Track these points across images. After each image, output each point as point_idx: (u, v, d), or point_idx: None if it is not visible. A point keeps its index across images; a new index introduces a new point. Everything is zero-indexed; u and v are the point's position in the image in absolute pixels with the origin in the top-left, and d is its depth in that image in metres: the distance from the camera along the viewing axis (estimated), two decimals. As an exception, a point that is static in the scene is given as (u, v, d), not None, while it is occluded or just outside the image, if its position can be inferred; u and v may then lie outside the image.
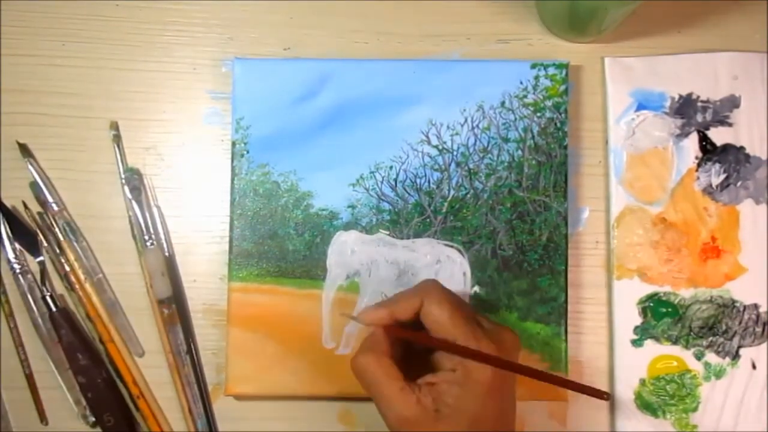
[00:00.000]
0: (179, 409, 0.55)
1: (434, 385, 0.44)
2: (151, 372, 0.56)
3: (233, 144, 0.55)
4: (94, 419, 0.54)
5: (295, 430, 0.56)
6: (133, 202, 0.56)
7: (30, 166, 0.56)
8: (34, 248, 0.55)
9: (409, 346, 0.47)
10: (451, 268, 0.55)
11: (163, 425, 0.55)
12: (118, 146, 0.57)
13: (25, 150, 0.56)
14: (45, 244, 0.55)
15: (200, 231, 0.57)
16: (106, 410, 0.54)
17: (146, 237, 0.55)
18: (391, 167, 0.56)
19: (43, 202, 0.56)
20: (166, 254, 0.56)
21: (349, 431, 0.56)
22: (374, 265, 0.55)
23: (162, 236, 0.56)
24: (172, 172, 0.57)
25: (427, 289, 0.46)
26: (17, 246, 0.55)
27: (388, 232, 0.55)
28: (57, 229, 0.55)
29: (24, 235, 0.56)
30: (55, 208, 0.56)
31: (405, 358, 0.46)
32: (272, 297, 0.55)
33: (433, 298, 0.45)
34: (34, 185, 0.56)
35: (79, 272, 0.55)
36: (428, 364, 0.46)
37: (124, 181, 0.56)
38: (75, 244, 0.56)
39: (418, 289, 0.46)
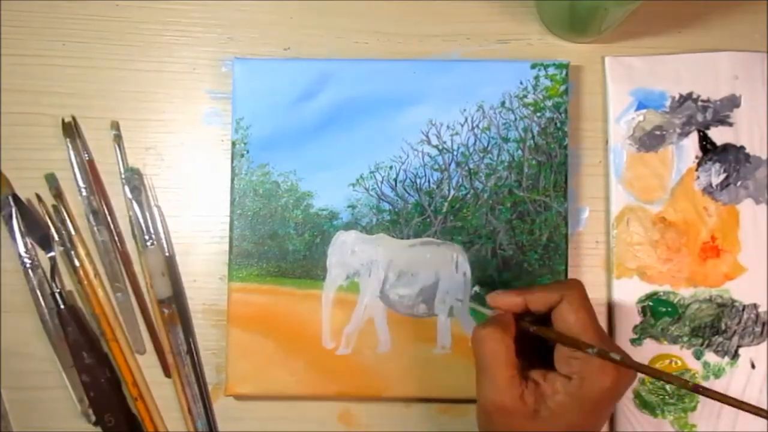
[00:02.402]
0: (179, 409, 0.56)
1: (540, 386, 0.44)
2: (152, 372, 0.56)
3: (233, 144, 0.56)
4: (95, 418, 0.55)
5: (295, 430, 0.56)
6: (133, 202, 0.56)
7: (68, 146, 0.56)
8: (45, 243, 0.56)
9: (526, 335, 0.47)
10: (451, 268, 0.55)
11: (159, 427, 0.55)
12: (119, 146, 0.57)
13: (68, 129, 0.56)
14: (56, 238, 0.55)
15: (200, 231, 0.57)
16: (108, 410, 0.54)
17: (146, 237, 0.55)
18: (391, 167, 0.56)
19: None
20: (166, 254, 0.56)
21: (348, 431, 0.56)
22: (374, 265, 0.55)
23: (162, 236, 0.56)
24: (172, 172, 0.58)
25: (569, 289, 0.45)
26: (29, 240, 0.56)
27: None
28: (69, 223, 0.56)
29: (36, 229, 0.56)
30: (84, 193, 0.56)
31: (520, 345, 0.46)
32: (272, 297, 0.55)
33: (574, 302, 0.45)
34: (50, 177, 0.56)
35: (89, 268, 0.56)
36: (541, 360, 0.46)
37: (124, 180, 0.56)
38: (96, 228, 0.56)
39: (559, 287, 0.46)
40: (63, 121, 0.56)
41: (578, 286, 0.46)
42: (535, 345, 0.47)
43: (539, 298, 0.46)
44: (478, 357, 0.45)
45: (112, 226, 0.56)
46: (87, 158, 0.57)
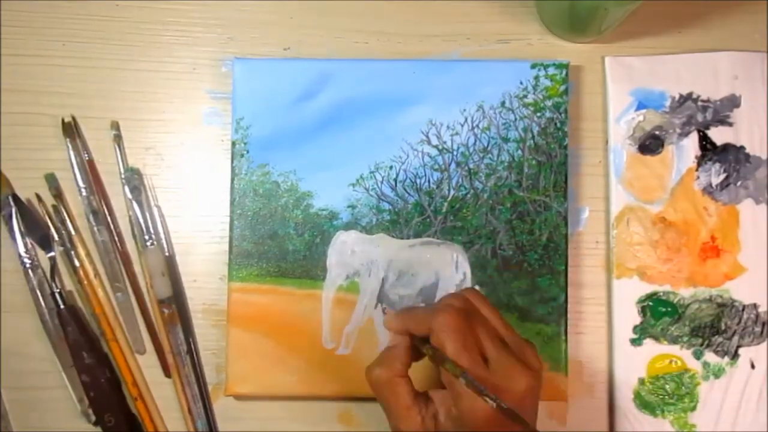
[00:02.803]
0: (179, 409, 0.56)
1: (432, 406, 0.45)
2: (152, 372, 0.56)
3: (233, 144, 0.56)
4: (95, 418, 0.55)
5: (295, 430, 0.56)
6: (134, 202, 0.56)
7: (68, 146, 0.56)
8: (45, 243, 0.56)
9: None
10: (451, 268, 0.55)
11: (159, 427, 0.55)
12: (119, 146, 0.57)
13: (68, 129, 0.56)
14: (56, 238, 0.55)
15: (200, 231, 0.57)
16: (108, 410, 0.54)
17: (146, 237, 0.55)
18: (391, 167, 0.56)
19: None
20: (166, 254, 0.56)
21: (348, 431, 0.56)
22: (374, 265, 0.55)
23: (162, 236, 0.56)
24: (172, 172, 0.58)
25: (441, 311, 0.44)
26: (29, 240, 0.56)
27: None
28: (69, 223, 0.56)
29: (36, 229, 0.56)
30: (84, 193, 0.56)
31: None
32: (272, 297, 0.55)
33: (443, 325, 0.43)
34: (50, 177, 0.56)
35: (89, 268, 0.56)
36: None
37: (124, 180, 0.56)
38: (96, 228, 0.56)
39: (434, 309, 0.45)
40: (63, 121, 0.56)
41: (448, 307, 0.44)
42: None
43: (417, 324, 0.46)
44: (376, 395, 0.46)
45: (112, 226, 0.56)
46: (87, 158, 0.57)
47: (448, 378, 0.43)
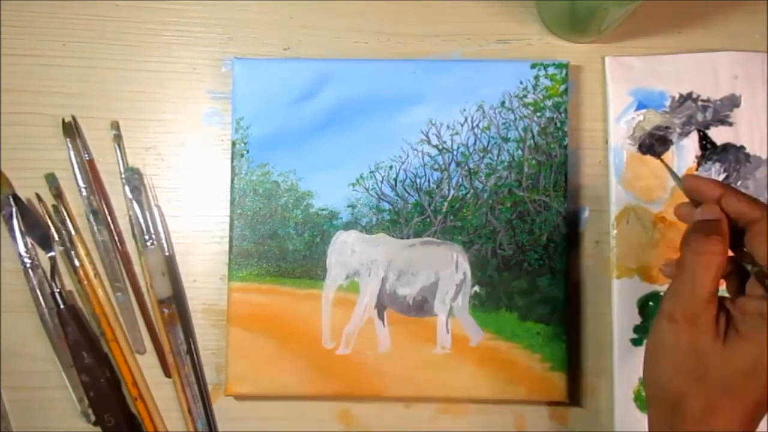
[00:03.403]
0: (179, 409, 0.56)
1: (730, 309, 0.41)
2: (152, 372, 0.56)
3: (233, 144, 0.56)
4: (95, 418, 0.55)
5: (295, 430, 0.56)
6: (134, 202, 0.56)
7: (69, 146, 0.56)
8: (45, 243, 0.56)
9: None
10: (451, 268, 0.55)
11: (159, 427, 0.55)
12: (119, 146, 0.57)
13: (68, 129, 0.56)
14: (56, 238, 0.56)
15: (200, 231, 0.57)
16: (108, 410, 0.54)
17: (146, 237, 0.55)
18: (391, 167, 0.56)
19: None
20: (166, 254, 0.56)
21: (348, 431, 0.56)
22: (374, 265, 0.55)
23: (162, 236, 0.56)
24: (172, 172, 0.58)
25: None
26: (29, 240, 0.56)
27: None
28: (69, 223, 0.56)
29: (36, 229, 0.56)
30: (84, 193, 0.56)
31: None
32: (272, 297, 0.55)
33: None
34: (50, 177, 0.56)
35: (89, 268, 0.56)
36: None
37: (124, 180, 0.56)
38: (96, 228, 0.56)
39: (763, 206, 0.41)
40: (63, 121, 0.56)
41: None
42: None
43: (737, 203, 0.41)
44: (688, 263, 0.40)
45: (112, 226, 0.56)
46: (87, 158, 0.57)
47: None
